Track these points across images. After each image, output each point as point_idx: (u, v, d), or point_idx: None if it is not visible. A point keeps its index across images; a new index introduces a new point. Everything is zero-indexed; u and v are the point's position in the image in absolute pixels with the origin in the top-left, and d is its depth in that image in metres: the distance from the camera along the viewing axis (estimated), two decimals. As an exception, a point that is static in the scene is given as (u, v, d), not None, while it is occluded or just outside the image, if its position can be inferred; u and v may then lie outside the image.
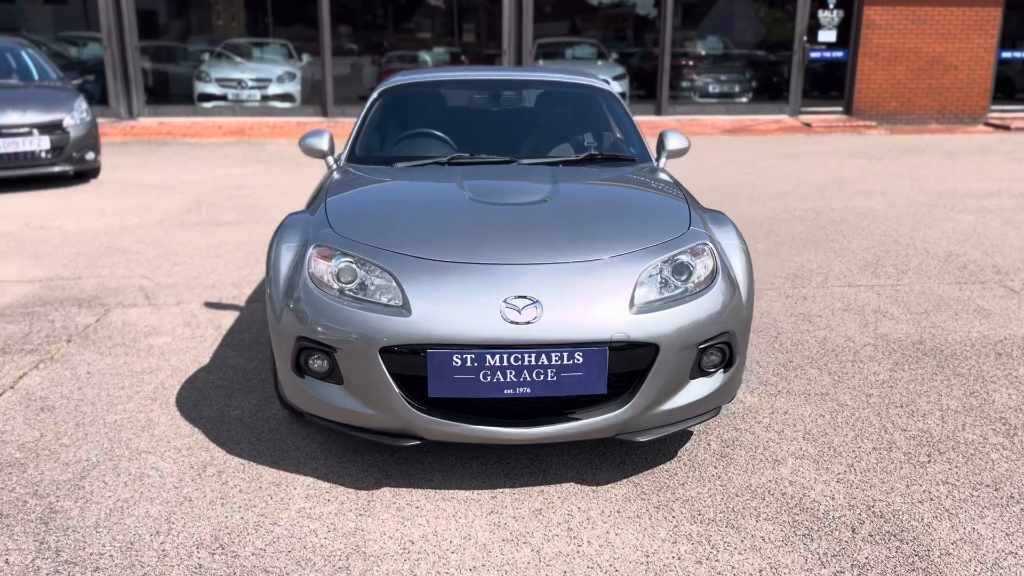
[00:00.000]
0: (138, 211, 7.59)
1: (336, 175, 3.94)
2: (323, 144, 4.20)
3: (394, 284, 2.87)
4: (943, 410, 3.58)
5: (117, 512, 2.75)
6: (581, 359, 2.75)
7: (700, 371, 3.00)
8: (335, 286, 2.92)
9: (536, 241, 3.09)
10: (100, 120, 13.19)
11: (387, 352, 2.77)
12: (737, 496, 2.90)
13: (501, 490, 2.92)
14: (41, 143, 8.46)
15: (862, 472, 3.07)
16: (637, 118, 4.67)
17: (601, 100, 4.54)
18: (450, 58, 15.75)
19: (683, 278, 3.01)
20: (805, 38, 14.77)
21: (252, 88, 14.07)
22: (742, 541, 2.64)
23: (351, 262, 2.96)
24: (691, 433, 3.34)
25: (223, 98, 14.09)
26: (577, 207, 3.44)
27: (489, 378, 2.73)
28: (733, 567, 2.51)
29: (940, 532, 2.69)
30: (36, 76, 9.60)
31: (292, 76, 14.35)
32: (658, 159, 4.34)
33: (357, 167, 4.03)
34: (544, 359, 2.74)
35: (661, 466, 3.10)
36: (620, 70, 15.48)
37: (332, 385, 2.92)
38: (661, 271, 2.99)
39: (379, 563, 2.51)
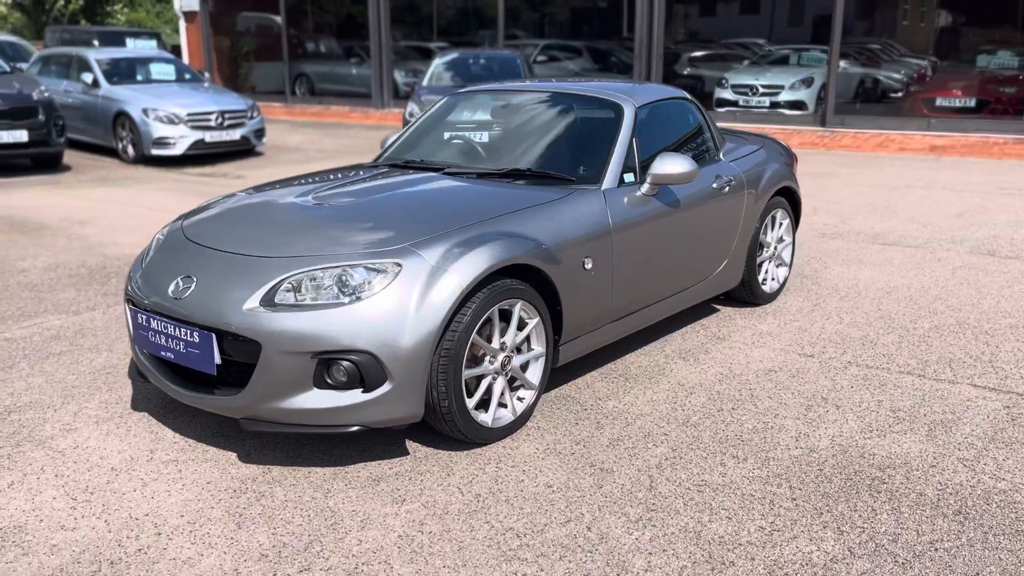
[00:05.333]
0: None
1: None
2: (387, 143, 4.90)
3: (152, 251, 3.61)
4: (686, 532, 2.78)
5: None
6: (198, 339, 3.13)
7: (326, 383, 3.04)
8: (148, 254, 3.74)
9: (262, 233, 3.45)
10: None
11: (130, 304, 3.53)
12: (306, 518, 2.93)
13: (203, 445, 3.43)
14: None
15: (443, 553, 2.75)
16: None
17: (606, 117, 4.22)
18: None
19: (343, 288, 3.06)
20: None
21: (763, 95, 14.16)
22: (226, 532, 2.77)
23: (161, 237, 3.75)
24: (408, 456, 3.29)
25: (735, 104, 14.49)
26: (359, 208, 3.67)
27: (154, 339, 3.30)
28: (189, 554, 2.71)
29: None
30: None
31: (808, 83, 13.98)
32: (635, 184, 3.98)
33: (363, 164, 4.64)
34: (177, 331, 3.19)
35: (324, 469, 3.21)
36: None
37: (131, 328, 3.79)
38: (316, 278, 3.09)
39: (34, 450, 3.35)
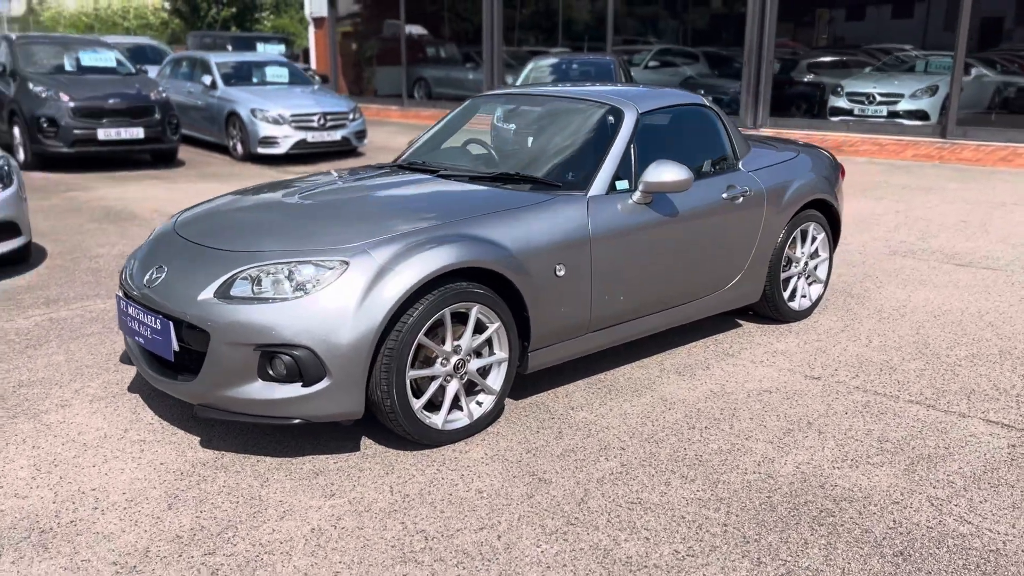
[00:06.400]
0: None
1: None
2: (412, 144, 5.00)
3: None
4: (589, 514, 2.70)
5: None
6: (159, 325, 3.29)
7: (268, 375, 3.13)
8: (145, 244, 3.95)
9: (237, 228, 3.58)
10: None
11: (120, 290, 3.74)
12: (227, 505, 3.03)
13: (174, 428, 3.60)
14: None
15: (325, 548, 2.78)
16: None
17: (606, 122, 4.14)
18: None
19: (290, 284, 3.15)
20: None
21: (880, 103, 13.46)
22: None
23: (158, 229, 3.95)
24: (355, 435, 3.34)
25: (850, 112, 13.83)
26: (335, 207, 3.73)
27: (131, 324, 3.49)
28: (113, 529, 2.85)
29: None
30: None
31: (932, 91, 13.18)
32: (628, 192, 3.91)
33: (370, 165, 4.74)
34: (144, 317, 3.36)
35: (255, 458, 3.31)
36: None
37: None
38: (271, 273, 3.19)
39: (25, 423, 3.60)
